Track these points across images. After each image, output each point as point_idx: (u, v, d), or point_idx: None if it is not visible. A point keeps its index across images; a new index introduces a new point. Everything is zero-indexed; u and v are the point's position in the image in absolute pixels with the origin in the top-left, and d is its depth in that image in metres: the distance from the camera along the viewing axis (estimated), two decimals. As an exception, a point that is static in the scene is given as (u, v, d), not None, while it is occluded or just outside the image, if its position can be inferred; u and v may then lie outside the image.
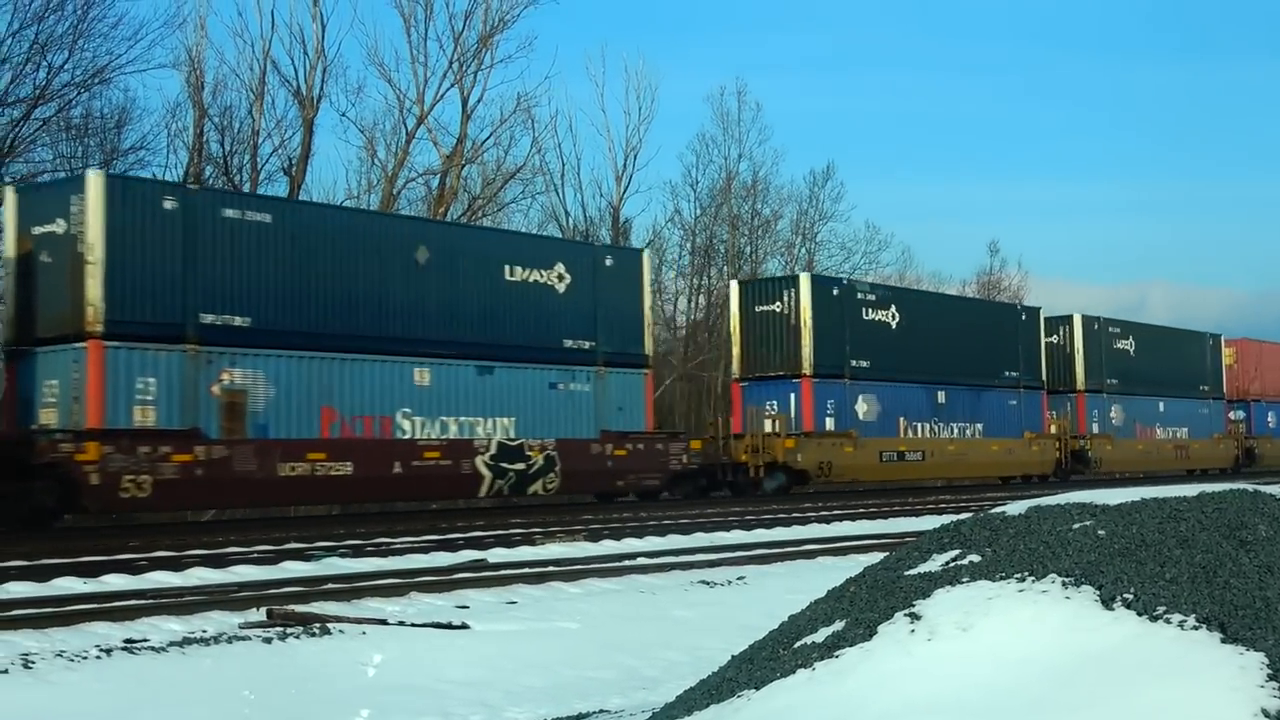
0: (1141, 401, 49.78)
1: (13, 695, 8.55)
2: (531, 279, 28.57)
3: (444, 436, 26.44)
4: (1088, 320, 48.20)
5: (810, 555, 17.22)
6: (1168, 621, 5.96)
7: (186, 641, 10.24)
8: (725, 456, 34.24)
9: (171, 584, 13.86)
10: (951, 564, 7.00)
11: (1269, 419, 59.56)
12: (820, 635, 6.82)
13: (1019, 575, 6.55)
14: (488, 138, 44.21)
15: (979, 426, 41.36)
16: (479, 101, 43.68)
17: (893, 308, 38.44)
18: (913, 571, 7.10)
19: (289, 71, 40.02)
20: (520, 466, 27.80)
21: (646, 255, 33.12)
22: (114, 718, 8.18)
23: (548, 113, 61.66)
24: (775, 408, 35.27)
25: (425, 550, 17.94)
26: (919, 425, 39.02)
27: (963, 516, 7.60)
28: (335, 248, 25.12)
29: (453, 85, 42.96)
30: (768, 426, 34.53)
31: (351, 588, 13.08)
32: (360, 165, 45.05)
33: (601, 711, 8.43)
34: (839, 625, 6.83)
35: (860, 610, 6.88)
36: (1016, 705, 5.71)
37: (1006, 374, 42.57)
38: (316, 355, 24.58)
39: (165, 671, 9.41)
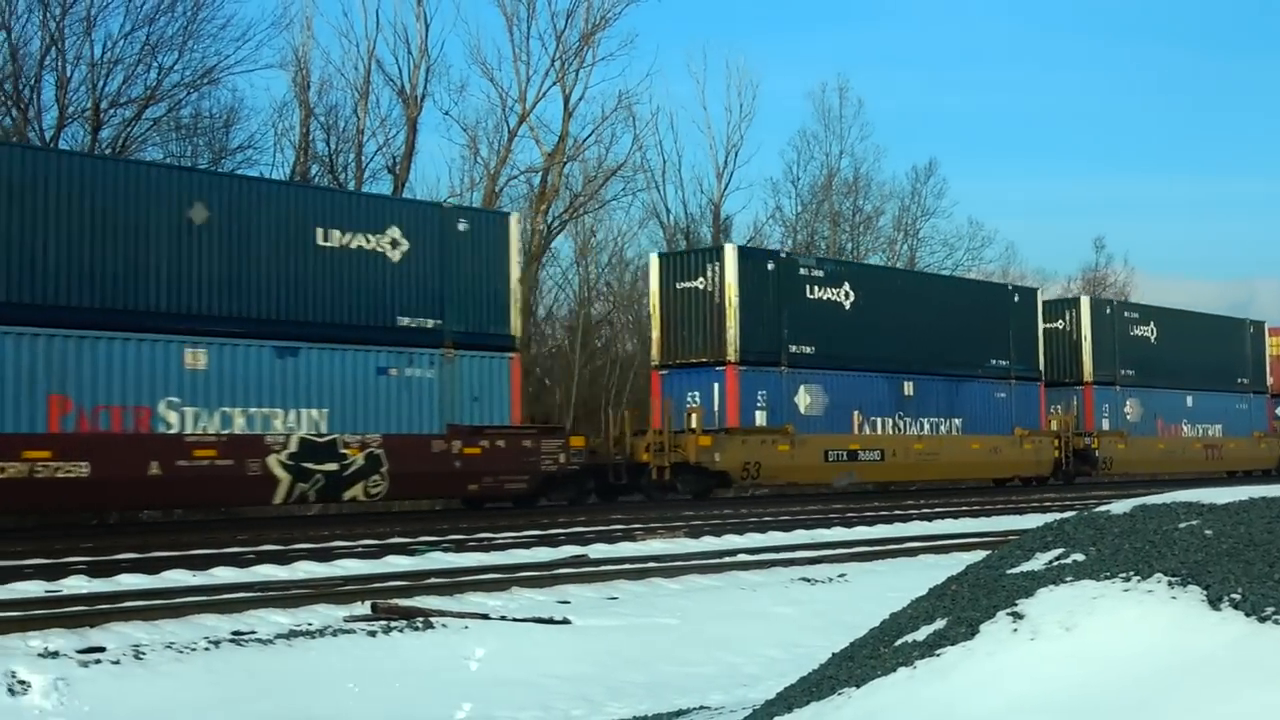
0: (1164, 395, 44.74)
1: (125, 686, 8.73)
2: (354, 245, 24.42)
3: (225, 431, 22.30)
4: (1098, 303, 44.21)
5: (912, 553, 17.09)
6: (1276, 623, 5.86)
7: (293, 634, 10.39)
8: (619, 455, 29.78)
9: (278, 577, 14.05)
10: (1055, 563, 6.93)
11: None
12: (922, 633, 6.78)
13: (1124, 575, 6.47)
14: (589, 135, 44.36)
15: (956, 422, 36.54)
16: (580, 99, 43.88)
17: (846, 286, 33.70)
18: (1015, 570, 7.04)
19: (393, 70, 40.56)
20: (331, 468, 23.53)
21: (514, 220, 28.16)
22: (222, 708, 8.32)
23: (649, 110, 61.54)
24: (698, 399, 31.06)
25: (527, 545, 18.03)
26: (879, 420, 34.21)
27: (1066, 515, 7.52)
28: (74, 202, 20.99)
29: (555, 83, 43.17)
30: (693, 422, 30.09)
31: (454, 582, 13.17)
32: (463, 163, 45.29)
33: (701, 708, 8.44)
34: (941, 623, 6.79)
35: (962, 609, 6.83)
36: (1121, 706, 5.64)
37: (993, 363, 37.79)
38: (43, 332, 20.47)
39: (271, 663, 9.55)
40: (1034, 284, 58.01)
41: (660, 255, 34.40)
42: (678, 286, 32.04)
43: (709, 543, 18.76)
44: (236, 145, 38.47)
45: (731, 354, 30.90)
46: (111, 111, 35.56)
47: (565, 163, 43.99)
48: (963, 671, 6.20)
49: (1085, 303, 43.06)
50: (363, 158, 40.12)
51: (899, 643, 6.83)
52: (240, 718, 8.13)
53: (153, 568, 14.72)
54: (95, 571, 14.26)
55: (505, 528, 21.12)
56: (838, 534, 20.56)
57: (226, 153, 38.43)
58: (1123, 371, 43.16)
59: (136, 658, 9.41)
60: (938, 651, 6.43)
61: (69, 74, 34.83)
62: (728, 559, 15.92)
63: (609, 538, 19.33)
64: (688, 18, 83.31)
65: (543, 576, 13.79)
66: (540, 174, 43.99)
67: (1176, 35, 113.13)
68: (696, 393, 31.21)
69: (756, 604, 12.87)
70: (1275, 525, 6.65)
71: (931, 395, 35.81)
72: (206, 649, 9.79)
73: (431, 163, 66.82)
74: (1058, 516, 7.74)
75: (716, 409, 30.92)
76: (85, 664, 9.14)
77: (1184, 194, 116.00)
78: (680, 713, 8.32)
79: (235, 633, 10.37)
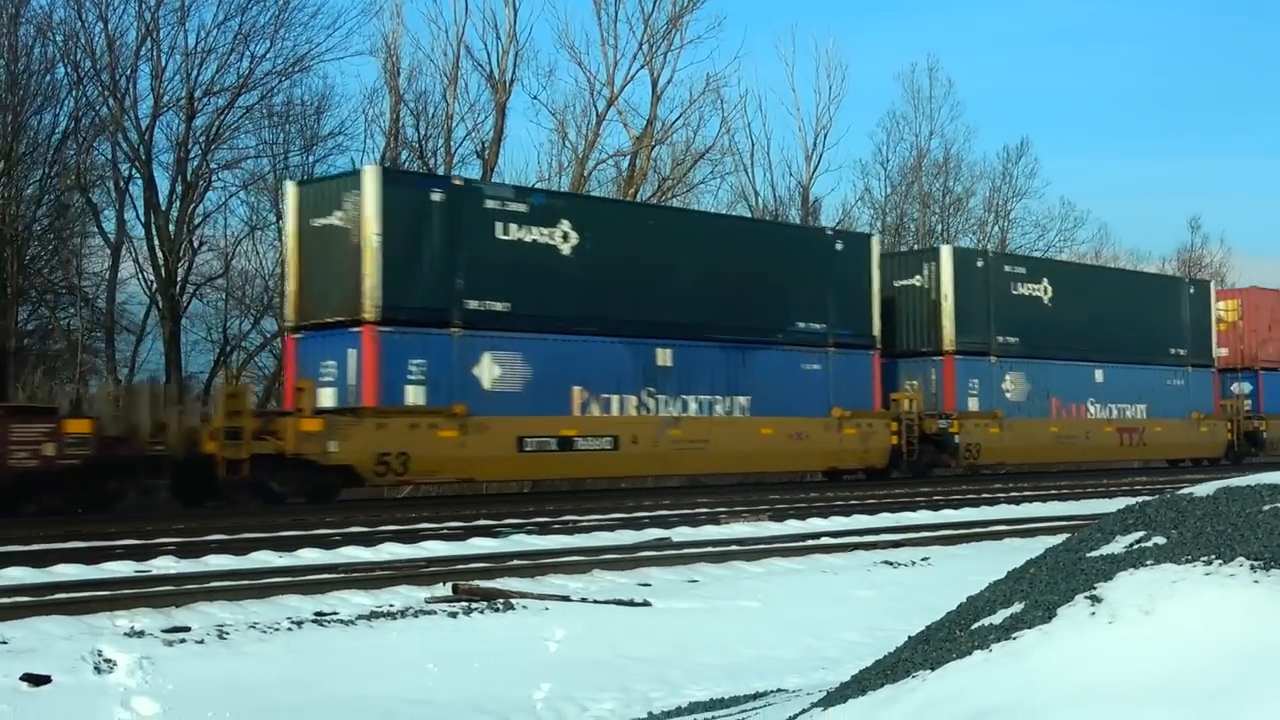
0: (1062, 369, 36.35)
1: (208, 665, 8.85)
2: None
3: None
4: (965, 254, 35.45)
5: (997, 536, 16.94)
6: (1362, 607, 5.75)
7: (374, 615, 10.49)
8: (161, 445, 21.92)
9: (363, 558, 14.19)
10: (1135, 546, 6.83)
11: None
12: (998, 617, 6.71)
13: (1205, 558, 6.37)
14: (677, 119, 44.31)
15: (741, 401, 28.89)
16: (669, 83, 43.89)
17: (564, 224, 26.15)
18: (1095, 553, 6.95)
19: (481, 56, 40.75)
20: None
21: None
22: (303, 688, 8.40)
23: (737, 93, 61.67)
24: (334, 371, 24.02)
25: (611, 529, 18.09)
26: (614, 399, 26.57)
27: (1148, 498, 7.41)
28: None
29: (643, 67, 43.19)
30: (306, 400, 23.11)
31: (536, 564, 13.24)
32: (551, 148, 45.37)
33: (779, 690, 8.41)
34: (1018, 607, 6.71)
35: (1040, 592, 6.76)
36: (1201, 691, 5.56)
37: (803, 327, 30.20)
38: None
39: (353, 644, 9.64)
40: (1128, 265, 57.23)
41: (299, 184, 26.72)
42: (313, 224, 24.73)
43: (792, 526, 18.72)
44: (328, 132, 38.91)
45: (370, 310, 23.43)
46: (205, 100, 36.08)
47: (653, 146, 44.04)
48: (1039, 655, 6.13)
49: (947, 253, 34.40)
50: (451, 143, 40.41)
51: (975, 626, 6.77)
52: (321, 696, 8.20)
53: (241, 549, 14.92)
54: (184, 552, 14.49)
55: (591, 510, 21.18)
56: (923, 517, 20.43)
57: (318, 139, 38.88)
58: (1001, 339, 34.91)
59: (220, 637, 9.54)
60: (1014, 635, 6.37)
61: (164, 63, 35.42)
62: (810, 542, 15.88)
63: (693, 521, 19.36)
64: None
65: (624, 559, 13.84)
66: (629, 157, 44.04)
67: (1271, 12, 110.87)
68: (332, 361, 24.07)
69: (838, 587, 12.81)
70: (1362, 508, 6.51)
71: (702, 366, 28.18)
72: (289, 629, 9.91)
73: (520, 147, 67.37)
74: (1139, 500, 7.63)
75: (353, 383, 23.75)
76: (170, 643, 9.29)
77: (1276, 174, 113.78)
78: (757, 694, 8.29)
79: (318, 613, 10.49)
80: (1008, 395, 35.19)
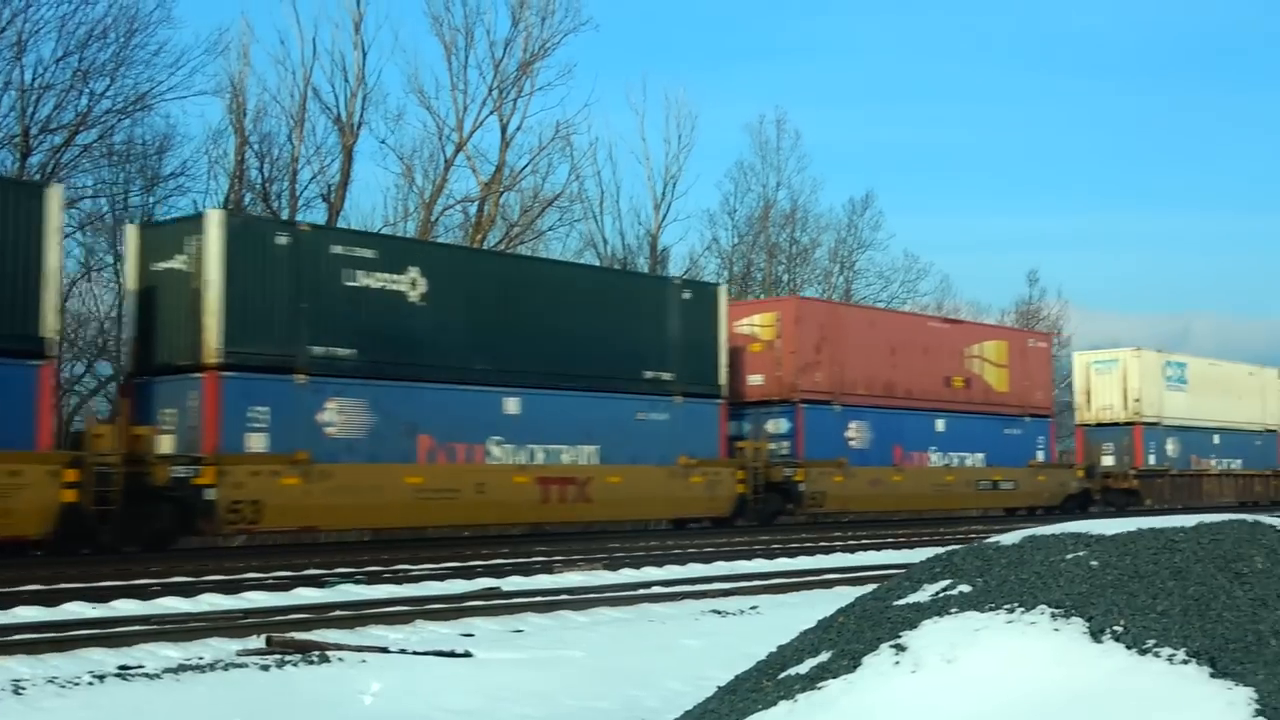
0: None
1: (-2, 722, 8.46)
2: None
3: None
4: (236, 224, 23.84)
5: (828, 585, 16.99)
6: (1157, 655, 5.79)
7: (182, 668, 10.12)
8: None
9: (180, 609, 13.77)
10: (941, 594, 6.83)
11: (850, 431, 35.04)
12: (805, 666, 6.66)
13: (1008, 606, 6.38)
14: (526, 165, 44.13)
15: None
16: (518, 129, 43.71)
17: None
18: (902, 602, 6.93)
19: (330, 98, 40.20)
20: None
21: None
22: (98, 745, 8.08)
23: (587, 140, 61.37)
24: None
25: (441, 578, 17.82)
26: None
27: (956, 547, 7.43)
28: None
29: (492, 112, 43.02)
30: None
31: (357, 615, 12.95)
32: (398, 192, 44.99)
33: (594, 742, 8.28)
34: (825, 656, 6.67)
35: (847, 641, 6.72)
36: (999, 740, 5.55)
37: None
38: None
39: (158, 699, 9.29)
40: (969, 317, 57.82)
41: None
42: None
43: (626, 575, 18.61)
44: (169, 173, 38.07)
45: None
46: (41, 137, 35.14)
47: (502, 192, 43.83)
48: (843, 705, 6.08)
49: (215, 219, 23.38)
50: (297, 186, 39.81)
51: (783, 676, 6.71)
52: (117, 755, 7.89)
53: (53, 600, 14.40)
54: (-9, 605, 13.92)
55: (426, 560, 20.87)
56: (758, 565, 20.45)
57: (159, 180, 38.06)
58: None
59: (15, 693, 9.13)
60: (819, 684, 6.31)
61: (-1, 99, 34.41)
62: (641, 591, 15.77)
63: (527, 570, 19.16)
64: (627, 49, 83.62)
65: (449, 609, 13.60)
66: (477, 203, 43.82)
67: (1110, 71, 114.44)
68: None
69: (665, 636, 12.70)
70: (1161, 556, 6.58)
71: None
72: (90, 684, 9.52)
73: (367, 191, 66.71)
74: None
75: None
76: (-41, 700, 8.87)
77: (1118, 228, 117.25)
78: (570, 748, 8.15)
79: (122, 667, 10.10)
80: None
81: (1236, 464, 50.02)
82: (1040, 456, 41.58)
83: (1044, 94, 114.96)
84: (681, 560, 21.09)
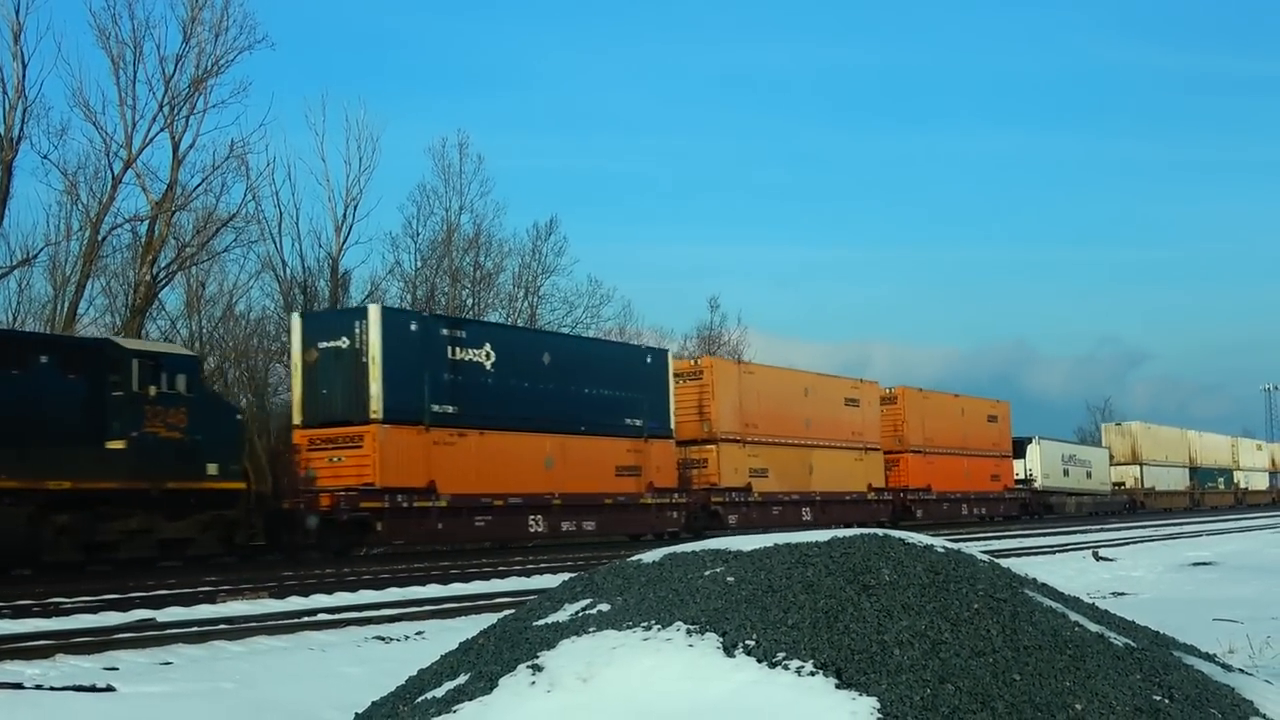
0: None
1: None
2: None
3: None
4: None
5: (497, 608, 16.84)
6: (785, 668, 5.86)
7: None
8: None
9: None
10: (581, 613, 6.79)
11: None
12: (442, 689, 6.53)
13: (645, 624, 6.38)
14: (199, 184, 42.81)
15: None
16: (191, 146, 42.36)
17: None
18: (541, 622, 6.87)
19: (-13, 112, 38.16)
20: None
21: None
22: None
23: (264, 160, 59.83)
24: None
25: (95, 610, 16.99)
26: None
27: (599, 566, 7.40)
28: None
29: (163, 129, 41.62)
30: None
31: (-8, 651, 12.21)
32: (61, 210, 42.99)
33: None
34: (463, 679, 6.55)
35: (485, 662, 6.62)
36: (631, 758, 5.52)
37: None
38: None
39: None
40: (652, 342, 59.12)
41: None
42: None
43: (293, 602, 18.11)
44: None
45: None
46: None
47: (174, 212, 42.41)
48: (477, 728, 5.97)
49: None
50: (-51, 203, 37.64)
51: (419, 700, 6.56)
52: None
53: None
54: None
55: (85, 591, 19.90)
56: (432, 591, 20.21)
57: None
58: None
59: None
60: (455, 708, 6.20)
61: None
62: (305, 619, 15.35)
63: (189, 600, 18.43)
64: (306, 68, 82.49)
65: (93, 642, 12.95)
66: (147, 223, 42.31)
67: (792, 108, 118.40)
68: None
69: (325, 664, 12.36)
70: (794, 571, 6.68)
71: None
72: None
73: (29, 209, 63.42)
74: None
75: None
76: None
77: (802, 259, 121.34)
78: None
79: None
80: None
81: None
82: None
83: (729, 128, 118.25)
84: (354, 588, 20.68)
